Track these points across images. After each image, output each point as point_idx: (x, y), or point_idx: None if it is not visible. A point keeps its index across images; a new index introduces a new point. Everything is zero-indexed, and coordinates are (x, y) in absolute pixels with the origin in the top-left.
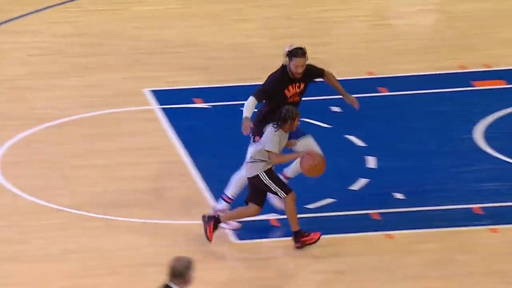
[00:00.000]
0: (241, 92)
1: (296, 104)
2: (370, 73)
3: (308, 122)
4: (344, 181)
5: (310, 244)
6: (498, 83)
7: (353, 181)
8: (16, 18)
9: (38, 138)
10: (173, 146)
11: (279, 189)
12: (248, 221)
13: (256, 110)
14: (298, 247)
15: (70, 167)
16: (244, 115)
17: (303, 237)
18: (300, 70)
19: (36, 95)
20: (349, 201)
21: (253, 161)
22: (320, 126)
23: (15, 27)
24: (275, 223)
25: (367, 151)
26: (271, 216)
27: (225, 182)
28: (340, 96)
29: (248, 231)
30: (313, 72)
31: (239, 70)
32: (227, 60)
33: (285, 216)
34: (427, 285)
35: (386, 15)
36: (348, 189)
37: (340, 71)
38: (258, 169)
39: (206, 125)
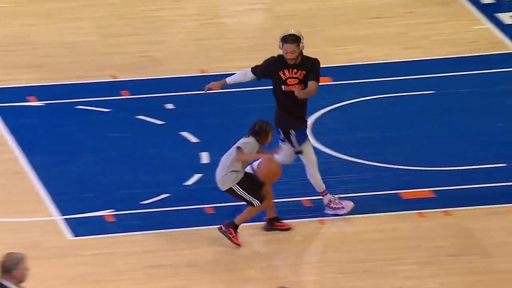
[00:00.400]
0: (75, 90)
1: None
2: (203, 71)
3: (142, 120)
4: (179, 176)
5: (229, 238)
6: (324, 80)
7: (188, 176)
8: None
9: None
10: (7, 144)
11: (253, 198)
12: (83, 217)
13: None
14: (221, 229)
15: None
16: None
17: (232, 232)
18: (290, 56)
19: None
20: (184, 196)
21: (225, 174)
22: (154, 123)
23: None
24: (111, 219)
25: (201, 147)
26: (106, 213)
27: (59, 179)
28: (173, 93)
29: (84, 227)
30: (310, 64)
31: (72, 68)
32: (60, 58)
33: (121, 212)
34: (255, 275)
35: (217, 14)
36: (183, 184)
37: (174, 69)
38: (231, 182)
39: (40, 123)
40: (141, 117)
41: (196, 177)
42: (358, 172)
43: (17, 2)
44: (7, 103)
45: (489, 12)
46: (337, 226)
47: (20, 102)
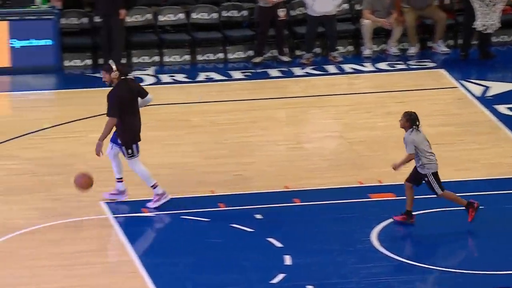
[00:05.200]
0: (179, 203)
1: None
2: (286, 187)
3: (234, 227)
4: (266, 275)
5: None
6: (389, 196)
7: (273, 275)
8: None
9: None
10: (124, 248)
11: None
12: None
13: None
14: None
15: (40, 267)
16: None
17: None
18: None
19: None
20: None
21: None
22: (245, 230)
23: None
24: None
25: (284, 251)
26: None
27: (166, 277)
28: (261, 206)
29: None
30: None
31: (175, 185)
32: (165, 176)
33: None
34: None
35: (300, 140)
36: (269, 282)
37: (261, 185)
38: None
39: (152, 230)
40: (234, 225)
41: (281, 276)
42: None
43: None
44: (125, 214)
45: None
46: None
47: (136, 213)
